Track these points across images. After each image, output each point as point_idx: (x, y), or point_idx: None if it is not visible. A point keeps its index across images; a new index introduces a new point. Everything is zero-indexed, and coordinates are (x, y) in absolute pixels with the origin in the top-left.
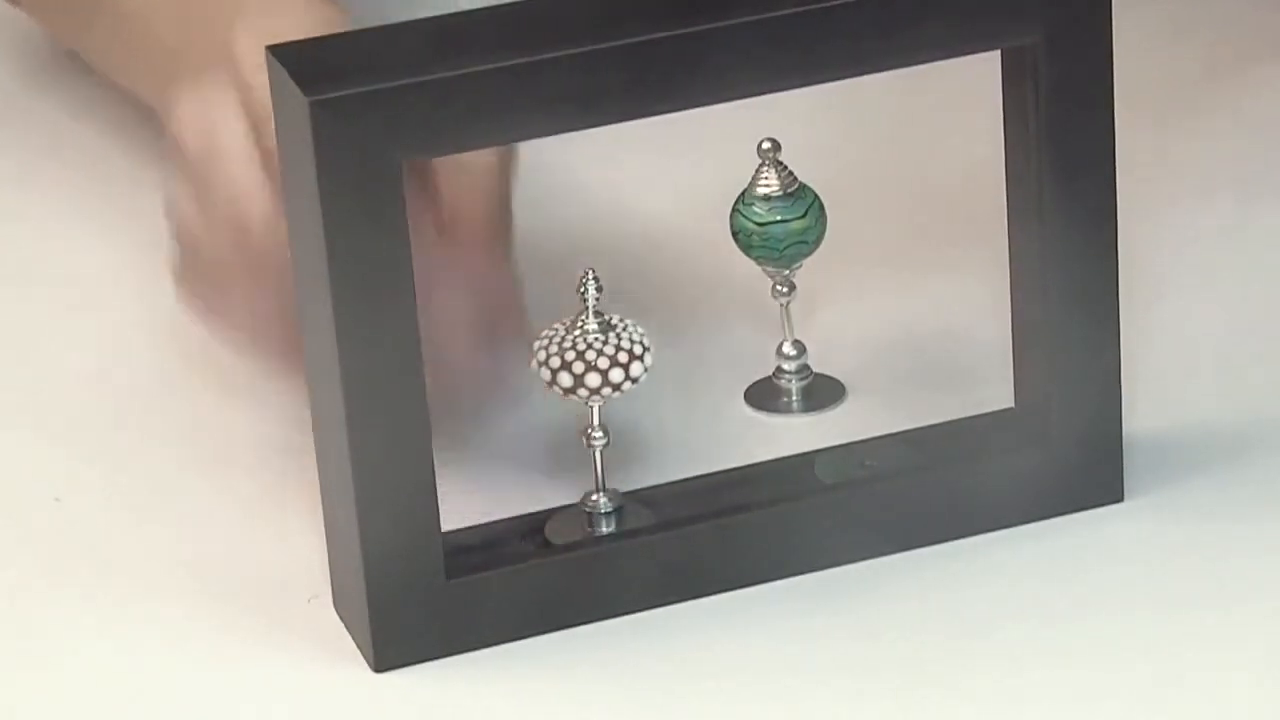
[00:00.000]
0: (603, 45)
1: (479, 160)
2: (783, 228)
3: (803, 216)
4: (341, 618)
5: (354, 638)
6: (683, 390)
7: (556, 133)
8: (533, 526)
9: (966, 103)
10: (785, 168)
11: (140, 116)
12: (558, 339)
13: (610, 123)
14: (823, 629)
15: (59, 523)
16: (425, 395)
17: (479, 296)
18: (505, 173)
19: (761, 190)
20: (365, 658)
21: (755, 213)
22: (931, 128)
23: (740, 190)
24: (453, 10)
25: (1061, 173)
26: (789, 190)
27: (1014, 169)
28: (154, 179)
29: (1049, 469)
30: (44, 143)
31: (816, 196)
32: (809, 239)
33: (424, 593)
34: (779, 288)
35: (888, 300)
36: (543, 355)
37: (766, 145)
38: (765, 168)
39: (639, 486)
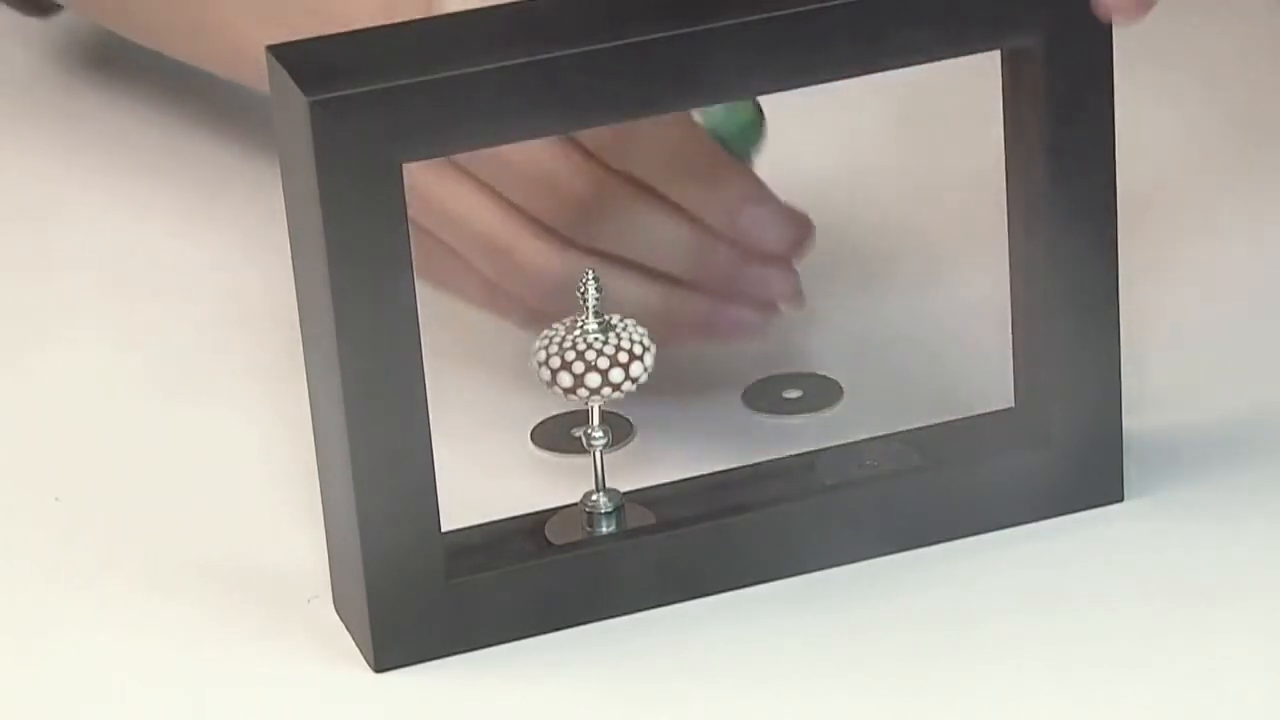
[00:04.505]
0: (603, 45)
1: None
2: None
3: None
4: (342, 618)
5: (354, 638)
6: (683, 391)
7: (556, 133)
8: (533, 526)
9: (966, 102)
10: None
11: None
12: (558, 339)
13: (610, 123)
14: (822, 629)
15: (59, 523)
16: (425, 394)
17: None
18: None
19: None
20: (365, 658)
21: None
22: (931, 127)
23: None
24: None
25: (1062, 173)
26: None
27: (1014, 169)
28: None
29: (1049, 469)
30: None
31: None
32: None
33: (424, 593)
34: None
35: (888, 300)
36: (542, 355)
37: None
38: None
39: (639, 486)
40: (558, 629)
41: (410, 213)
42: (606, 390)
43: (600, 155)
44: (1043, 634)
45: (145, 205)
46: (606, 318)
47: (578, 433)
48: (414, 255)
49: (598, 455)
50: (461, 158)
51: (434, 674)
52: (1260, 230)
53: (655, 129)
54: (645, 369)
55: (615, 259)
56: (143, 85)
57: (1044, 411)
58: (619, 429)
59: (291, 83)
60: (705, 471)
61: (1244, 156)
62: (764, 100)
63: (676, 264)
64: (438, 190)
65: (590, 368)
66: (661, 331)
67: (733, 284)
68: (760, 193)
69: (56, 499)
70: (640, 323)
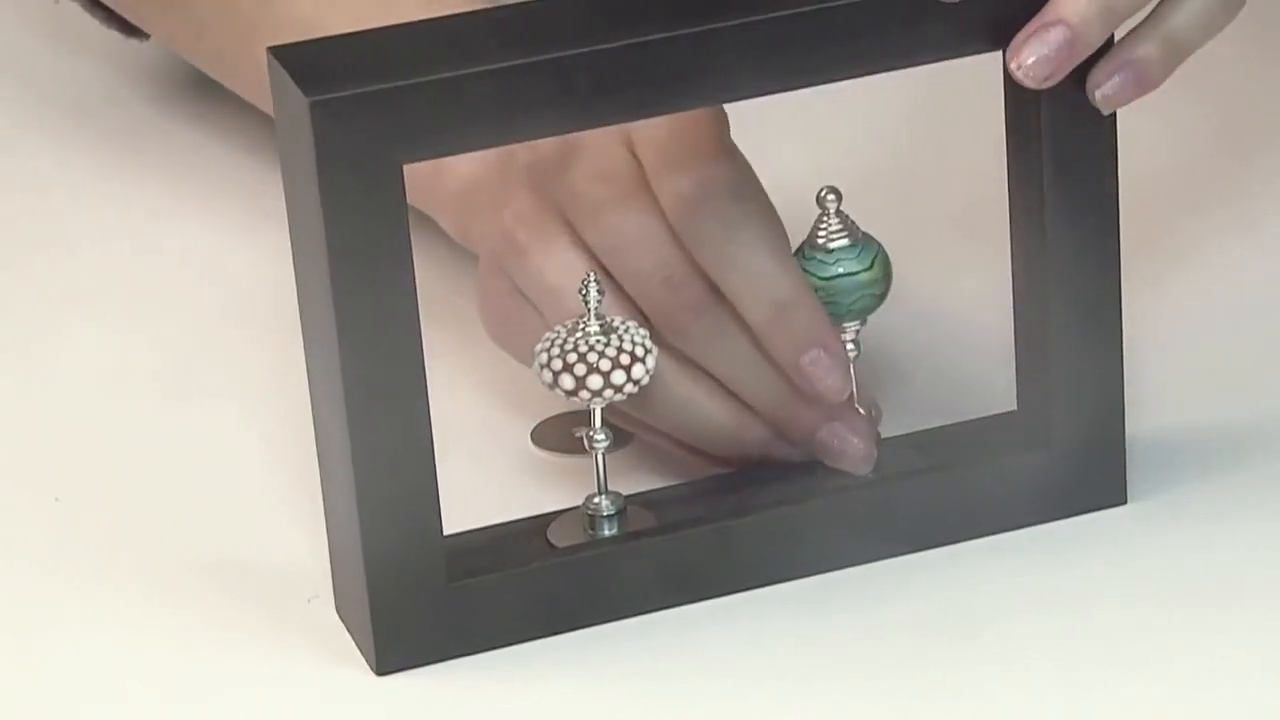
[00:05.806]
0: (603, 45)
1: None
2: (851, 280)
3: (869, 268)
4: (343, 620)
5: (356, 640)
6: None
7: (557, 133)
8: (534, 529)
9: (967, 102)
10: (848, 217)
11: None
12: (559, 341)
13: (610, 123)
14: (824, 631)
15: (59, 523)
16: (426, 395)
17: None
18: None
19: (835, 244)
20: (367, 660)
21: (819, 265)
22: (932, 128)
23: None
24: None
25: (1064, 175)
26: (855, 241)
27: (1016, 171)
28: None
29: (1052, 471)
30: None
31: (880, 246)
32: (876, 292)
33: (426, 595)
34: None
35: (889, 302)
36: (544, 357)
37: (830, 197)
38: (826, 218)
39: (641, 489)
40: (560, 632)
41: (513, 272)
42: (608, 392)
43: (701, 260)
44: (1045, 636)
45: (145, 205)
46: (608, 320)
47: (579, 434)
48: (497, 316)
49: (599, 457)
50: (586, 235)
51: (436, 677)
52: (1261, 231)
53: (749, 251)
54: (647, 371)
55: (696, 367)
56: (142, 86)
57: (1046, 414)
58: (621, 431)
59: (292, 83)
60: (707, 474)
61: (1244, 157)
62: (765, 101)
63: (751, 394)
64: (543, 253)
65: (592, 370)
66: (722, 446)
67: (808, 428)
68: (828, 338)
69: (56, 499)
70: (704, 436)
